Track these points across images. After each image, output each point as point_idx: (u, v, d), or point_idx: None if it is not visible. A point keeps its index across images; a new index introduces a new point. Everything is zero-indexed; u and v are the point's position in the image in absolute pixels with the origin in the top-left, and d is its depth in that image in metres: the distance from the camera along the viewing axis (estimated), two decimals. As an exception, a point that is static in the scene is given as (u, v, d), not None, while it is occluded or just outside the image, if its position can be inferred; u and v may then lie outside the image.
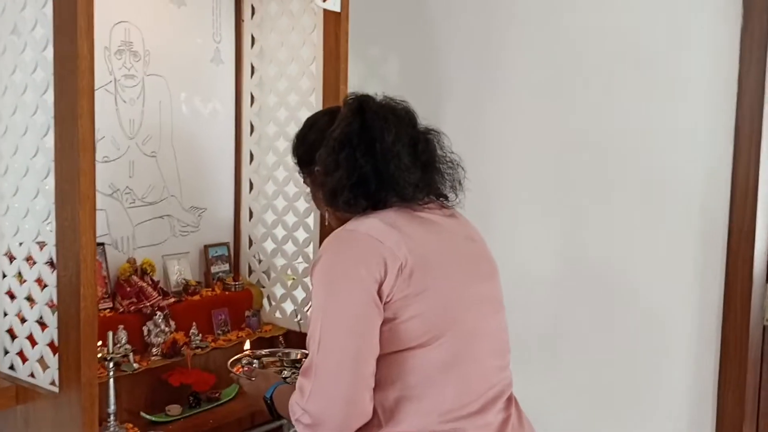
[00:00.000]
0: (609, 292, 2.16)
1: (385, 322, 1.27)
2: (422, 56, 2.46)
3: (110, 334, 1.74)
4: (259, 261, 2.36)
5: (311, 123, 1.53)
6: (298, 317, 2.20)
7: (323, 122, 1.47)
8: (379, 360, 1.28)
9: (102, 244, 1.97)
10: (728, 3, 1.92)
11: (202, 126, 2.25)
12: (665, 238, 2.05)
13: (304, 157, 1.51)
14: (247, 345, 1.91)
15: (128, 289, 1.98)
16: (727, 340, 1.96)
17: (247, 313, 2.24)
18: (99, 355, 1.62)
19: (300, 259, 2.25)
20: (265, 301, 2.33)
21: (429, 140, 1.42)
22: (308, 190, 1.57)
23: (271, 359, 1.86)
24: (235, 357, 1.82)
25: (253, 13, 2.30)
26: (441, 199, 1.44)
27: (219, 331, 2.14)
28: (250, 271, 2.38)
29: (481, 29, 2.33)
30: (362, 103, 1.39)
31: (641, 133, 2.08)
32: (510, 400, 1.40)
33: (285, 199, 2.26)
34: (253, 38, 2.31)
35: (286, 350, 1.93)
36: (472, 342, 1.34)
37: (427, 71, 2.44)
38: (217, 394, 1.97)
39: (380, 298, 1.26)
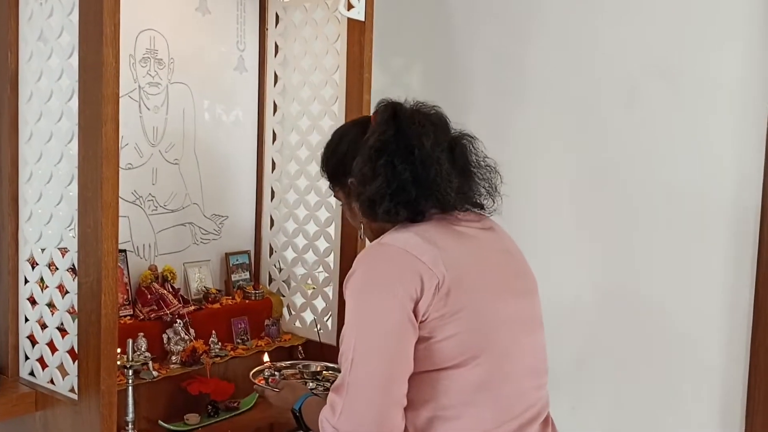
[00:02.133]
0: (637, 312, 2.12)
1: (420, 340, 1.24)
2: (445, 66, 2.44)
3: (130, 341, 1.74)
4: (280, 270, 2.35)
5: (341, 134, 1.49)
6: (318, 327, 2.18)
7: (354, 133, 1.44)
8: (411, 378, 1.25)
9: (124, 250, 1.97)
10: (756, 13, 1.89)
11: (224, 134, 2.26)
12: (694, 257, 2.02)
13: (335, 170, 1.47)
14: (266, 357, 1.90)
15: (149, 296, 1.98)
16: (756, 354, 1.92)
17: (266, 322, 2.23)
18: (118, 363, 1.62)
19: (320, 269, 2.24)
20: (285, 311, 2.31)
21: (464, 145, 1.39)
22: (340, 203, 1.54)
23: (292, 371, 1.85)
24: (257, 369, 1.82)
25: (277, 22, 2.30)
26: (477, 208, 1.40)
27: (238, 340, 2.13)
28: (270, 280, 2.37)
29: (504, 40, 2.32)
30: (396, 109, 1.37)
31: (668, 150, 2.05)
32: (546, 421, 1.37)
33: (306, 208, 2.25)
34: (276, 46, 2.31)
35: (306, 362, 1.92)
36: (509, 362, 1.30)
37: (450, 81, 2.43)
38: (235, 404, 1.95)
39: (416, 316, 1.23)
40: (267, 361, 1.86)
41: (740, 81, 1.93)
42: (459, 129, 1.41)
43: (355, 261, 1.31)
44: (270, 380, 1.75)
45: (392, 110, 1.37)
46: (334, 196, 1.53)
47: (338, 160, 1.45)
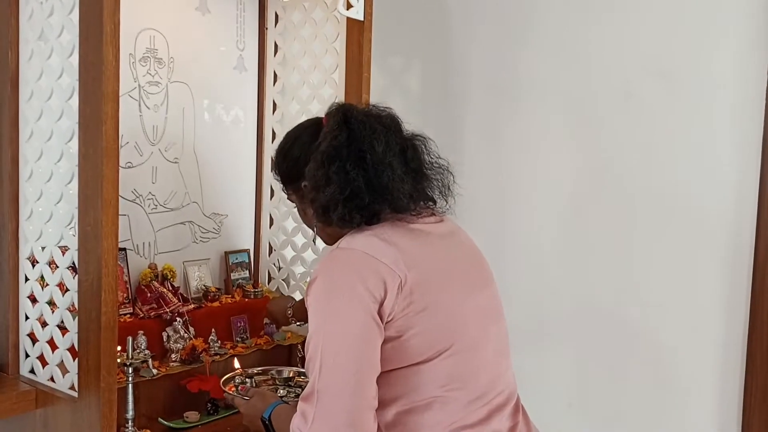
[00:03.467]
0: (634, 315, 2.13)
1: (387, 340, 1.24)
2: (443, 66, 2.45)
3: (130, 339, 1.75)
4: (279, 268, 2.36)
5: (294, 137, 1.47)
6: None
7: (306, 136, 1.43)
8: (381, 377, 1.25)
9: (124, 249, 1.97)
10: (752, 12, 1.89)
11: (224, 133, 2.26)
12: (690, 260, 2.03)
13: (288, 173, 1.47)
14: (236, 363, 1.88)
15: (149, 294, 1.98)
16: (753, 355, 1.92)
17: (266, 320, 2.23)
18: (118, 361, 1.63)
19: (319, 267, 2.24)
20: (284, 309, 2.32)
21: (416, 147, 1.40)
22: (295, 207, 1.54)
23: (263, 378, 1.83)
24: (227, 376, 1.80)
25: (276, 22, 2.31)
26: (430, 204, 1.41)
27: (238, 338, 2.14)
28: (270, 279, 2.38)
29: (501, 41, 2.32)
30: (346, 113, 1.36)
31: (663, 150, 2.06)
32: (517, 407, 1.39)
33: (305, 207, 2.26)
34: (276, 46, 2.32)
35: (279, 368, 1.91)
36: (476, 352, 1.32)
37: (448, 81, 2.44)
38: (235, 402, 1.96)
39: (381, 317, 1.23)
40: (237, 368, 1.85)
41: (736, 80, 1.94)
42: (411, 130, 1.41)
43: (315, 268, 1.31)
44: (240, 388, 1.72)
45: (343, 114, 1.36)
46: (288, 198, 1.53)
47: (291, 164, 1.44)
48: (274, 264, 2.36)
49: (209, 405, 1.91)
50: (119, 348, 1.64)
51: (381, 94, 2.50)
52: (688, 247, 2.04)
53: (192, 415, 1.87)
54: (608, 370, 2.19)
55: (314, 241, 1.53)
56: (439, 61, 2.46)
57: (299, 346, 2.21)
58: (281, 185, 1.51)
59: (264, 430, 1.45)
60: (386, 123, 1.37)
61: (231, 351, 2.06)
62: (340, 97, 2.12)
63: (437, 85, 2.47)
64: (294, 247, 2.30)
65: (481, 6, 2.35)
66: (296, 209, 1.54)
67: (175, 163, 2.14)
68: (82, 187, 1.56)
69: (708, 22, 1.97)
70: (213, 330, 2.06)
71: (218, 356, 2.02)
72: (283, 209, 2.33)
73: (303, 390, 1.43)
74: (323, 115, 1.43)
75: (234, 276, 2.28)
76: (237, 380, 1.80)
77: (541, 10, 2.24)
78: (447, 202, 1.43)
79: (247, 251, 2.33)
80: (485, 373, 1.33)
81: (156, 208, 2.10)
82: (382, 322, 1.23)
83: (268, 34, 2.32)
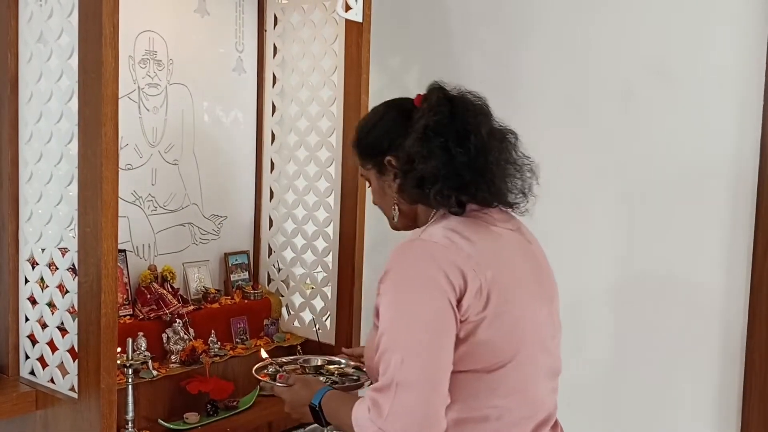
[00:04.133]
0: (635, 311, 2.13)
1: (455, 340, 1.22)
2: (442, 67, 2.45)
3: (130, 340, 1.75)
4: (279, 270, 2.36)
5: (383, 112, 1.44)
6: (317, 327, 2.19)
7: (396, 111, 1.42)
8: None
9: (123, 250, 1.98)
10: (752, 12, 1.90)
11: (223, 135, 2.27)
12: (690, 257, 2.03)
13: (373, 146, 1.42)
14: (263, 353, 1.89)
15: (148, 296, 1.99)
16: (752, 355, 1.92)
17: (265, 321, 2.24)
18: (118, 362, 1.63)
19: (319, 268, 2.25)
20: (283, 310, 2.33)
21: (510, 140, 1.37)
22: (367, 186, 1.50)
23: (292, 367, 1.80)
24: (259, 365, 1.77)
25: (275, 23, 2.32)
26: (509, 207, 1.37)
27: (238, 340, 2.14)
28: (269, 280, 2.38)
29: (500, 42, 2.32)
30: (448, 92, 1.35)
31: (665, 148, 2.06)
32: (556, 425, 1.38)
33: (305, 208, 2.26)
34: (275, 48, 2.32)
35: (306, 357, 1.89)
36: (535, 367, 1.31)
37: (448, 82, 2.43)
38: (235, 403, 1.96)
39: (454, 316, 1.20)
40: (266, 357, 1.83)
41: (735, 76, 1.94)
42: (502, 123, 1.39)
43: (391, 257, 1.26)
44: (278, 376, 1.69)
45: (445, 93, 1.35)
46: (361, 174, 1.49)
47: (377, 137, 1.40)
48: (274, 265, 2.37)
49: (209, 406, 1.92)
50: (119, 349, 1.64)
51: (380, 95, 2.49)
52: (685, 246, 2.04)
53: (192, 417, 1.87)
54: (606, 370, 2.19)
55: (392, 218, 1.43)
56: (438, 62, 2.46)
57: (299, 347, 2.21)
58: (359, 160, 1.47)
59: (311, 417, 1.43)
60: (483, 111, 1.36)
61: (231, 352, 2.07)
62: (339, 99, 2.13)
63: (436, 86, 2.47)
64: (293, 249, 2.31)
65: (480, 7, 2.36)
66: (370, 189, 1.49)
67: (175, 164, 2.14)
68: (82, 189, 1.56)
69: (705, 18, 1.97)
70: (213, 331, 2.06)
71: (218, 357, 2.02)
72: (282, 211, 2.34)
73: (335, 378, 1.51)
74: (417, 96, 1.40)
75: (233, 277, 2.28)
76: (271, 369, 1.75)
77: (541, 10, 2.24)
78: (527, 202, 1.38)
79: (246, 253, 2.34)
80: (538, 388, 1.32)
81: (156, 210, 2.10)
82: (458, 317, 1.21)
83: (267, 35, 2.33)
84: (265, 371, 1.74)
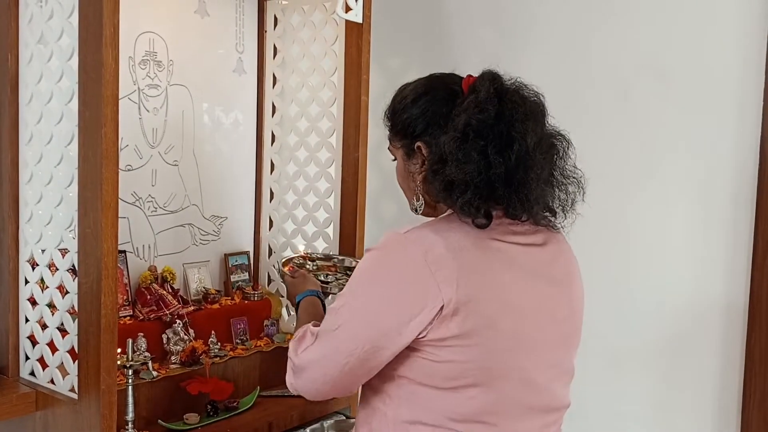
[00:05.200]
0: (635, 312, 2.13)
1: (411, 348, 1.18)
2: (442, 68, 2.43)
3: (130, 341, 1.75)
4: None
5: (424, 91, 1.29)
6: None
7: (441, 93, 1.27)
8: (402, 385, 1.22)
9: (123, 251, 1.98)
10: (752, 12, 1.90)
11: (223, 135, 2.27)
12: (689, 264, 2.04)
13: (405, 127, 1.29)
14: (302, 248, 1.90)
15: (148, 296, 1.99)
16: (751, 357, 1.93)
17: (265, 322, 2.23)
18: (118, 363, 1.63)
19: (319, 269, 2.25)
20: (284, 311, 2.32)
21: (557, 148, 1.24)
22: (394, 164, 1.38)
23: (326, 263, 1.81)
24: (289, 257, 1.78)
25: (275, 24, 2.32)
26: (548, 215, 1.24)
27: (238, 340, 2.14)
28: (270, 281, 2.38)
29: (499, 43, 2.33)
30: (500, 87, 1.20)
31: (663, 148, 2.06)
32: None
33: (305, 209, 2.27)
34: (275, 49, 2.32)
35: (341, 257, 1.86)
36: (509, 401, 1.19)
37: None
38: (235, 403, 1.96)
39: (404, 332, 1.16)
40: (301, 251, 1.84)
41: (735, 75, 1.94)
42: (554, 126, 1.25)
43: (383, 238, 1.21)
44: (289, 268, 1.75)
45: (496, 88, 1.20)
46: (389, 148, 1.37)
47: (414, 117, 1.27)
48: (274, 266, 2.37)
49: (209, 407, 1.91)
50: (119, 350, 1.64)
51: (380, 96, 2.49)
52: (685, 247, 2.04)
53: (192, 417, 1.87)
54: (604, 369, 2.19)
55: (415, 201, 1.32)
56: (437, 64, 2.44)
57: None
58: (389, 133, 1.35)
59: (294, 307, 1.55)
60: (534, 110, 1.21)
61: (231, 353, 2.07)
62: (339, 99, 2.13)
63: (436, 87, 2.47)
64: (293, 249, 2.31)
65: (480, 8, 2.36)
66: (396, 168, 1.37)
67: (175, 165, 2.14)
68: (82, 190, 1.56)
69: (706, 14, 1.97)
70: (213, 332, 2.06)
71: (218, 358, 2.02)
72: (282, 211, 2.34)
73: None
74: (465, 75, 1.28)
75: (234, 278, 2.28)
76: (297, 261, 1.78)
77: (540, 12, 2.25)
78: (565, 218, 1.26)
79: (246, 253, 2.34)
80: (514, 425, 1.21)
81: (156, 211, 2.11)
82: (407, 335, 1.16)
83: (267, 36, 2.33)
84: (292, 263, 1.78)
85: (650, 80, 2.07)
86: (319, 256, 1.85)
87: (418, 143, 1.27)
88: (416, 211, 1.32)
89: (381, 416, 1.25)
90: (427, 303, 1.14)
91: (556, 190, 1.23)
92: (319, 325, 1.28)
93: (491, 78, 1.22)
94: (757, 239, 1.91)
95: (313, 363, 1.25)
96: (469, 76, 1.27)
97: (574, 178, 1.26)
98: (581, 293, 1.32)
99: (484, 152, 1.15)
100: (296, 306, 1.52)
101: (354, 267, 1.74)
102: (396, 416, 1.23)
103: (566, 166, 1.25)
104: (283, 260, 1.79)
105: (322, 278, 1.80)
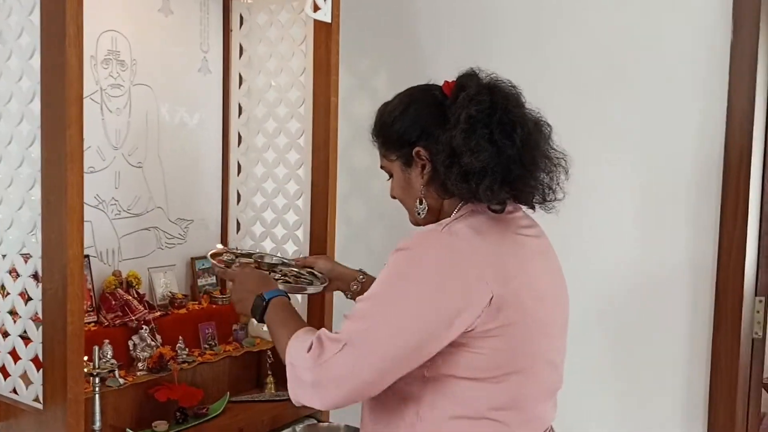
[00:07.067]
0: (604, 309, 2.15)
1: (454, 344, 1.20)
2: (412, 69, 2.45)
3: (96, 348, 1.71)
4: (247, 274, 2.32)
5: (410, 101, 1.35)
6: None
7: (426, 99, 1.34)
8: (434, 379, 1.23)
9: (87, 256, 1.92)
10: (715, 9, 1.94)
11: (188, 136, 2.22)
12: (655, 255, 2.06)
13: (400, 137, 1.33)
14: (219, 245, 1.86)
15: (113, 302, 1.94)
16: (717, 354, 1.96)
17: (234, 326, 2.20)
18: (84, 370, 1.59)
19: (288, 272, 2.22)
20: (252, 315, 2.29)
21: (544, 133, 1.31)
22: (387, 179, 1.42)
23: (247, 260, 1.75)
24: (214, 251, 1.73)
25: (241, 23, 2.28)
26: (543, 204, 1.31)
27: (206, 345, 2.10)
28: (237, 284, 2.34)
29: (469, 44, 2.34)
30: (487, 82, 1.29)
31: (628, 143, 2.09)
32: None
33: (274, 211, 2.23)
34: (241, 48, 2.29)
35: (262, 253, 1.83)
36: (539, 384, 1.29)
37: (417, 83, 2.43)
38: (204, 410, 1.93)
39: (452, 326, 1.18)
40: (221, 246, 1.80)
41: (699, 73, 1.97)
42: (538, 114, 1.32)
43: (415, 238, 1.22)
44: (234, 266, 1.68)
45: (484, 82, 1.28)
46: (383, 166, 1.41)
47: (407, 126, 1.32)
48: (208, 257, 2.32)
49: (178, 414, 1.88)
50: (85, 358, 1.60)
51: (349, 96, 2.49)
52: (650, 248, 2.07)
53: (161, 425, 1.83)
54: (569, 372, 2.21)
55: (417, 213, 1.35)
56: (407, 64, 2.46)
57: (269, 352, 2.18)
58: (382, 150, 1.39)
59: (250, 305, 1.43)
60: (520, 99, 1.30)
61: (199, 358, 2.03)
62: (308, 100, 2.11)
63: (405, 86, 2.44)
64: (225, 246, 2.25)
65: (449, 9, 2.36)
66: (390, 182, 1.41)
67: (139, 167, 2.10)
68: (45, 194, 1.51)
69: (669, 14, 2.00)
70: (180, 337, 2.02)
71: (186, 364, 1.98)
72: (250, 214, 2.30)
73: (288, 278, 1.47)
74: (447, 82, 1.34)
75: (200, 282, 2.24)
76: (226, 257, 1.71)
77: (508, 13, 2.26)
78: (555, 200, 1.32)
79: (213, 256, 2.30)
80: (536, 407, 1.30)
81: (119, 214, 2.06)
82: (450, 332, 1.18)
83: (233, 35, 2.29)
84: (221, 257, 1.70)
85: (616, 79, 2.09)
86: (240, 252, 1.80)
87: (417, 148, 1.31)
88: (419, 214, 1.35)
89: (410, 419, 1.25)
90: (474, 297, 1.17)
91: (553, 168, 1.30)
92: (329, 336, 1.23)
93: (473, 75, 1.31)
94: (723, 238, 1.95)
95: (342, 371, 1.19)
96: (446, 81, 1.34)
97: (561, 158, 1.33)
98: (566, 285, 1.41)
99: (491, 139, 1.21)
100: (264, 305, 1.41)
101: (275, 263, 1.72)
102: (431, 416, 1.24)
103: (554, 147, 1.33)
104: (210, 254, 1.72)
105: None
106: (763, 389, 2.11)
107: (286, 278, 1.67)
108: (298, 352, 1.25)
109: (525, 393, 1.26)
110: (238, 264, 1.71)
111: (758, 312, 1.97)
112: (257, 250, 1.88)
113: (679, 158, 2.02)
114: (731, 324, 1.94)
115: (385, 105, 1.41)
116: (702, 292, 2.00)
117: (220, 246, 1.85)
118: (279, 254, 1.80)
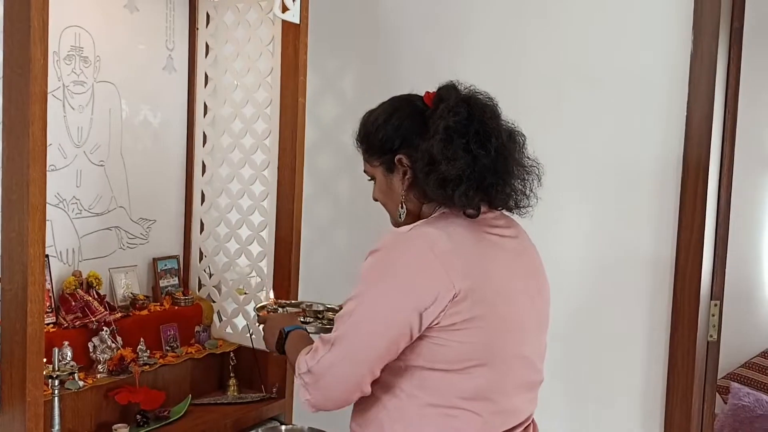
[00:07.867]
0: (559, 304, 2.17)
1: (422, 337, 1.28)
2: (379, 71, 2.45)
3: (56, 350, 1.67)
4: (210, 275, 2.30)
5: (393, 109, 1.43)
6: (250, 332, 2.15)
7: (408, 108, 1.41)
8: (407, 370, 1.31)
9: (47, 255, 1.87)
10: (678, 18, 1.99)
11: (152, 135, 2.19)
12: (615, 258, 2.10)
13: (382, 144, 1.41)
14: (271, 294, 1.93)
15: (73, 303, 1.90)
16: (674, 356, 2.01)
17: (197, 328, 2.18)
18: (43, 373, 1.55)
19: (253, 273, 2.20)
20: (215, 316, 2.27)
21: (519, 143, 1.39)
22: (368, 179, 1.49)
23: (295, 310, 1.82)
24: (261, 304, 1.81)
25: (208, 22, 2.26)
26: (517, 209, 1.40)
27: (168, 347, 2.08)
28: (200, 286, 2.32)
29: (436, 46, 2.34)
30: (465, 95, 1.36)
31: (589, 153, 2.12)
32: (528, 427, 1.42)
33: (239, 212, 2.21)
34: (207, 47, 2.26)
35: (310, 302, 1.89)
36: (507, 378, 1.34)
37: (384, 86, 2.40)
38: (166, 413, 1.91)
39: (421, 319, 1.26)
40: (272, 299, 1.87)
41: (660, 77, 2.02)
42: (510, 123, 1.40)
43: (385, 238, 1.31)
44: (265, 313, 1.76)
45: (462, 95, 1.36)
46: (366, 170, 1.48)
47: (389, 134, 1.40)
48: (205, 270, 2.31)
49: (139, 417, 1.86)
50: (44, 360, 1.56)
51: (317, 97, 2.48)
52: (610, 247, 2.11)
53: (121, 428, 1.81)
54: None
55: (399, 217, 1.43)
56: (374, 66, 2.46)
57: (231, 354, 2.16)
58: (365, 156, 1.46)
59: (275, 341, 1.54)
60: (496, 112, 1.38)
61: (161, 361, 2.01)
62: (275, 101, 2.10)
63: (373, 89, 2.45)
64: (226, 254, 2.25)
65: (417, 11, 2.37)
66: (374, 186, 1.48)
67: (101, 166, 2.06)
68: (6, 192, 1.48)
69: (630, 18, 2.05)
70: (142, 339, 1.99)
71: (147, 366, 1.95)
72: (214, 215, 2.28)
73: (325, 322, 1.60)
74: (429, 93, 1.41)
75: (163, 283, 2.21)
76: (269, 308, 1.79)
77: (476, 15, 2.28)
78: (528, 204, 1.40)
79: (176, 258, 2.27)
80: (509, 400, 1.35)
81: (80, 213, 2.02)
82: (420, 327, 1.26)
83: (199, 34, 2.27)
84: (266, 310, 1.78)
85: (581, 83, 2.12)
86: (287, 302, 1.89)
87: (399, 156, 1.39)
88: (400, 216, 1.43)
89: (393, 408, 1.33)
90: (440, 292, 1.25)
91: (526, 176, 1.38)
92: (324, 339, 1.34)
93: (453, 87, 1.38)
94: (681, 239, 1.99)
95: (334, 366, 1.30)
96: (428, 92, 1.41)
97: (534, 166, 1.40)
98: (548, 284, 1.47)
99: (467, 149, 1.30)
100: (284, 337, 1.52)
101: (322, 311, 1.80)
102: (410, 404, 1.31)
103: (527, 156, 1.41)
104: (256, 307, 1.82)
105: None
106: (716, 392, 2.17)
107: (322, 321, 1.74)
108: (300, 358, 1.37)
109: (493, 385, 1.31)
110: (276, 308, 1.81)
111: (713, 315, 2.03)
112: (304, 301, 1.93)
113: (639, 164, 2.06)
114: (688, 326, 1.98)
115: (370, 113, 1.47)
116: (660, 295, 2.04)
117: (272, 295, 1.93)
118: (324, 302, 1.86)
